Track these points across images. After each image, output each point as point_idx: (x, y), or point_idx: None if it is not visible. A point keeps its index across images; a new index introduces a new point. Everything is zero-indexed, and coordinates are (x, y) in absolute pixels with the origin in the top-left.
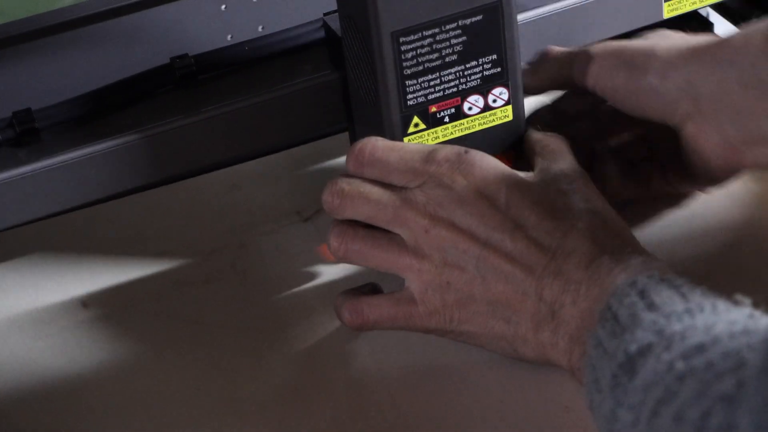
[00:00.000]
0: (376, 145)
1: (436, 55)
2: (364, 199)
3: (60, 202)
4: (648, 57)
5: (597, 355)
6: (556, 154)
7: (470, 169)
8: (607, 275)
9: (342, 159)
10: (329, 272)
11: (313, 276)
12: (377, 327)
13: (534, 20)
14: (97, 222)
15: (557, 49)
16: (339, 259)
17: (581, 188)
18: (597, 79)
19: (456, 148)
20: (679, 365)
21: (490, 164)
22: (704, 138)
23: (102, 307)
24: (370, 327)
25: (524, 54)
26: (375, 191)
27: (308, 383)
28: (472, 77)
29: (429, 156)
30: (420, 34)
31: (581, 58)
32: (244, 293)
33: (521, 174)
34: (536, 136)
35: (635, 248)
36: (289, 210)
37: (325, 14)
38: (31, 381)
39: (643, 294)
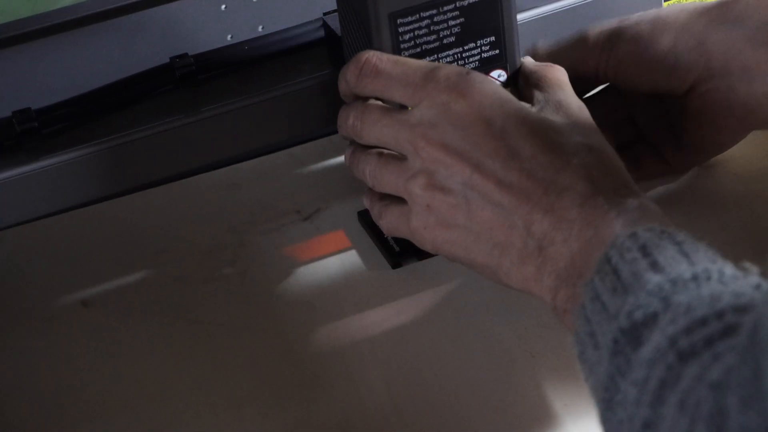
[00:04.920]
0: (381, 57)
1: (434, 36)
2: (374, 122)
3: (60, 202)
4: (656, 24)
5: (594, 308)
6: (554, 86)
7: (468, 90)
8: (602, 218)
9: (342, 159)
10: (329, 271)
11: (313, 275)
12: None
13: (534, 20)
14: (97, 222)
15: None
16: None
17: (578, 122)
18: (599, 57)
19: (458, 68)
20: (683, 342)
21: (489, 88)
22: (714, 98)
23: (102, 307)
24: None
25: (523, 42)
26: (384, 116)
27: (308, 383)
28: (471, 59)
29: (430, 73)
30: (418, 15)
31: (580, 42)
32: (243, 292)
33: (520, 103)
34: (533, 67)
35: (631, 189)
36: (289, 209)
37: (324, 14)
38: (32, 381)
39: (644, 250)
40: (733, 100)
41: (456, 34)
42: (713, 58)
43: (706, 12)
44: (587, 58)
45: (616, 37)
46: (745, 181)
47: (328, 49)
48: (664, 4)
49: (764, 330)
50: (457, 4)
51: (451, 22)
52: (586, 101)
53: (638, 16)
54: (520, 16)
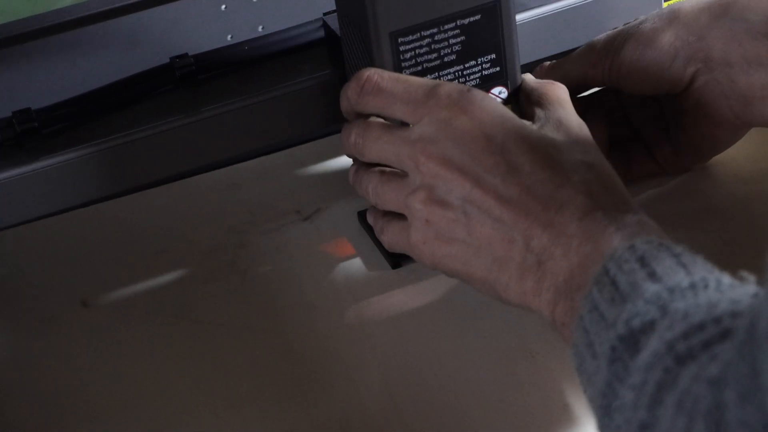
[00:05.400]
0: (382, 75)
1: (435, 55)
2: (376, 140)
3: (60, 202)
4: (658, 23)
5: (592, 319)
6: (554, 103)
7: (469, 107)
8: (601, 233)
9: (342, 159)
10: (329, 271)
11: (312, 275)
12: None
13: (534, 20)
14: (97, 222)
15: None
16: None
17: (578, 139)
18: (605, 62)
19: (459, 85)
20: (680, 346)
21: (490, 104)
22: (713, 90)
23: (102, 306)
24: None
25: (523, 53)
26: (385, 133)
27: (308, 383)
28: (471, 77)
29: (432, 90)
30: (418, 34)
31: (587, 51)
32: (243, 292)
33: (521, 120)
34: (534, 84)
35: (629, 205)
36: (289, 209)
37: (324, 14)
38: (32, 381)
39: (642, 261)
40: (732, 92)
41: (457, 52)
42: (713, 50)
43: (708, 8)
44: (594, 64)
45: (621, 40)
46: (745, 182)
47: (328, 49)
48: (664, 4)
49: (761, 325)
50: (458, 23)
51: (452, 41)
52: (583, 99)
53: (643, 17)
54: (520, 17)
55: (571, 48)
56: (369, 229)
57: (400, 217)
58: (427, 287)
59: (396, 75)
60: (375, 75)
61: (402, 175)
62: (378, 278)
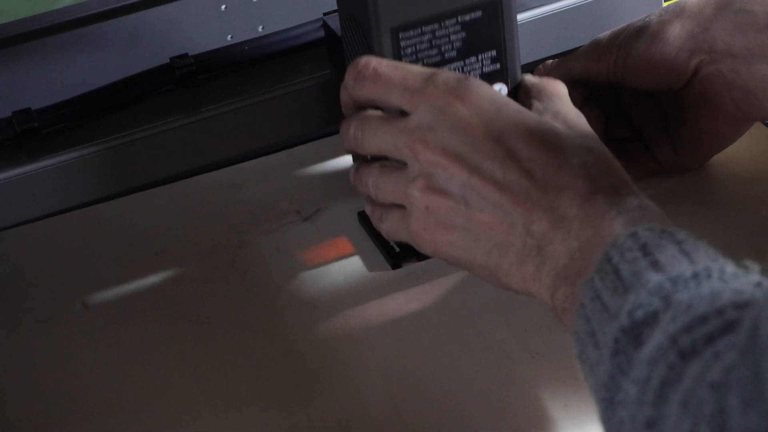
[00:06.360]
0: (380, 61)
1: (435, 51)
2: (374, 131)
3: (60, 202)
4: (663, 17)
5: (594, 307)
6: (553, 97)
7: (467, 95)
8: (601, 217)
9: (342, 159)
10: (329, 272)
11: (313, 275)
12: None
13: (534, 20)
14: (97, 222)
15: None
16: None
17: (576, 126)
18: (609, 56)
19: (457, 74)
20: (683, 340)
21: (487, 92)
22: (715, 82)
23: (102, 307)
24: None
25: (523, 52)
26: (383, 124)
27: (308, 383)
28: (472, 73)
29: (429, 78)
30: (419, 29)
31: (593, 46)
32: (243, 292)
33: (519, 106)
34: (533, 80)
35: (630, 189)
36: (289, 209)
37: (324, 14)
38: (32, 381)
39: (645, 249)
40: (735, 84)
41: (457, 48)
42: (717, 41)
43: (712, 2)
44: (599, 59)
45: (627, 34)
46: (746, 182)
47: (328, 49)
48: (664, 4)
49: (764, 330)
50: (459, 19)
51: (453, 36)
52: (582, 93)
53: (649, 14)
54: (521, 16)
55: (571, 48)
56: (369, 229)
57: (400, 206)
58: (427, 287)
59: (394, 62)
60: (373, 61)
61: (401, 166)
62: (378, 278)
